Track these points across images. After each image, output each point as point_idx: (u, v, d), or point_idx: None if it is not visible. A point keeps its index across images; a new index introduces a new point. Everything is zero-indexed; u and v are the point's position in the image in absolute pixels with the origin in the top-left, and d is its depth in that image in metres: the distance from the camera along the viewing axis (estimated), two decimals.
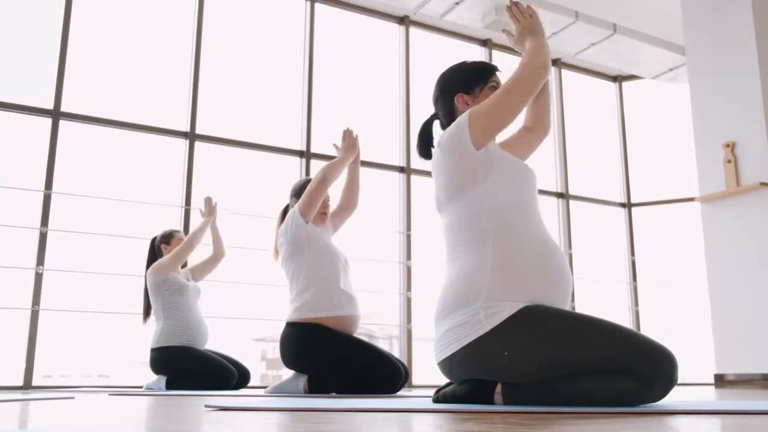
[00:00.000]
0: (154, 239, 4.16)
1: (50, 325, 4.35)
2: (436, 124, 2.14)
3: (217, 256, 4.26)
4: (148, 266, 4.09)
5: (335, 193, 3.59)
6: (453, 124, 1.92)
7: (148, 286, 3.99)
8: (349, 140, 3.49)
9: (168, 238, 4.12)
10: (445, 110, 2.05)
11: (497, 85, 2.05)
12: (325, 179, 3.29)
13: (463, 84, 2.03)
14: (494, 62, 5.79)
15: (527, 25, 2.01)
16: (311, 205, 3.27)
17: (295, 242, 3.26)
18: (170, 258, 3.96)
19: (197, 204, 4.88)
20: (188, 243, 4.02)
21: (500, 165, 1.89)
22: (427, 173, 5.90)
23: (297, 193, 3.46)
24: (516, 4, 2.05)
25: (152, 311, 4.00)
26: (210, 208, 4.19)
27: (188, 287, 4.01)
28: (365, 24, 6.02)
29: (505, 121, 1.88)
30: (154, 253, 4.12)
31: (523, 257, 1.81)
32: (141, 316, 4.10)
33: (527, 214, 1.88)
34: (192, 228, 4.43)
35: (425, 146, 2.11)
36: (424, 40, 6.21)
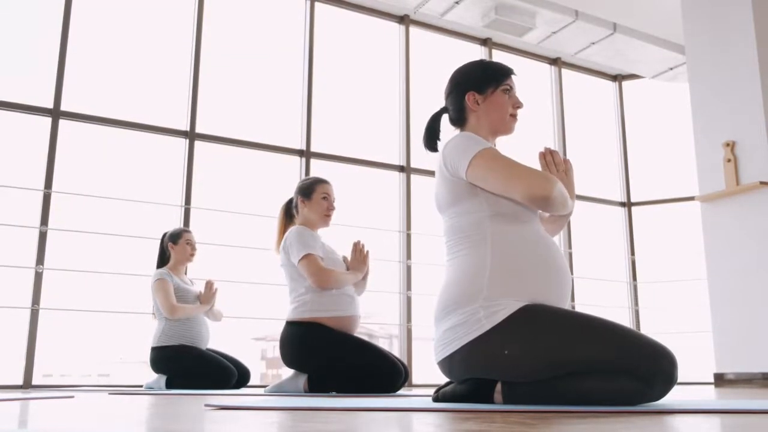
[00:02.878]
0: (164, 235, 4.13)
1: (50, 324, 4.35)
2: (444, 117, 2.13)
3: (211, 318, 4.13)
4: (158, 261, 4.08)
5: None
6: (463, 142, 1.89)
7: (150, 288, 3.98)
8: (359, 256, 3.38)
9: (176, 238, 4.08)
10: (456, 106, 2.04)
11: (510, 88, 2.02)
12: (326, 287, 3.19)
13: (477, 82, 2.02)
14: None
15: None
16: (304, 273, 3.22)
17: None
18: (162, 304, 3.86)
19: (197, 203, 4.88)
20: (173, 312, 3.85)
21: None
22: (427, 172, 5.90)
23: (302, 191, 3.45)
24: (552, 152, 2.02)
25: (154, 309, 4.00)
26: (208, 296, 4.03)
27: (189, 291, 4.00)
28: (365, 23, 6.02)
29: (494, 190, 1.84)
30: (164, 250, 4.10)
31: (523, 256, 1.81)
32: (141, 315, 4.09)
33: (526, 217, 1.89)
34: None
35: (432, 139, 2.09)
36: (424, 40, 6.21)
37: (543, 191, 1.78)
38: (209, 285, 4.06)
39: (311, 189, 3.42)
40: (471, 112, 2.01)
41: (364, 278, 3.42)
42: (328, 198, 3.41)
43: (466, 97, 2.01)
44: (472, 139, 1.89)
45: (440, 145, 2.04)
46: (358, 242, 3.42)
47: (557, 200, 1.81)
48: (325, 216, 3.40)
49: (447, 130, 2.11)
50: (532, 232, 1.86)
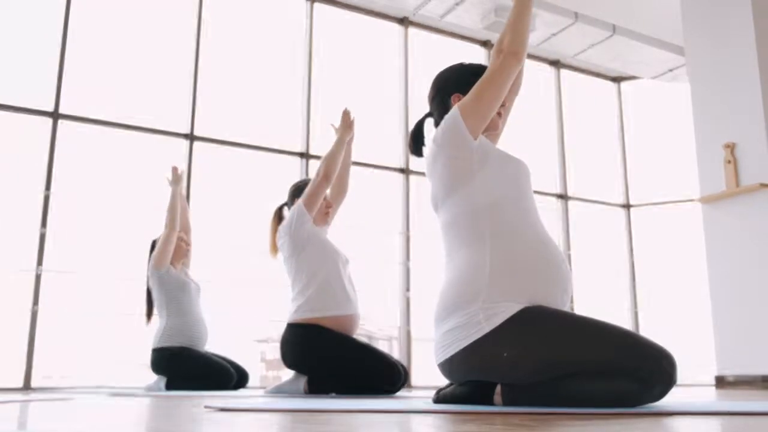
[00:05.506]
0: (153, 242, 4.15)
1: (50, 325, 4.35)
2: (429, 123, 2.15)
3: (186, 231, 4.22)
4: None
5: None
6: (445, 118, 1.94)
7: (151, 283, 3.99)
8: (347, 120, 3.52)
9: None
10: (441, 110, 2.06)
11: None
12: (328, 173, 3.32)
13: (460, 84, 2.03)
14: None
15: None
16: (315, 199, 3.28)
17: (297, 239, 3.26)
18: (161, 243, 3.96)
19: (197, 204, 4.88)
20: (169, 219, 4.00)
21: (494, 158, 1.91)
22: None
23: (299, 192, 3.46)
24: None
25: (155, 308, 4.00)
26: (176, 177, 4.18)
27: (189, 284, 4.02)
28: (365, 24, 6.02)
29: (494, 102, 1.89)
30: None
31: (522, 257, 1.80)
32: (141, 317, 4.10)
33: (524, 211, 1.88)
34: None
35: (417, 144, 2.14)
36: (423, 41, 6.21)
37: (512, 58, 1.87)
38: (174, 168, 4.22)
39: (305, 189, 3.45)
40: None
41: (349, 143, 3.61)
42: (326, 197, 3.43)
43: (452, 99, 2.02)
44: (449, 114, 1.93)
45: (425, 150, 2.07)
46: (346, 109, 3.59)
47: (522, 40, 1.89)
48: (324, 214, 3.41)
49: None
50: (530, 230, 1.86)
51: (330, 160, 3.35)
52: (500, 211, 1.85)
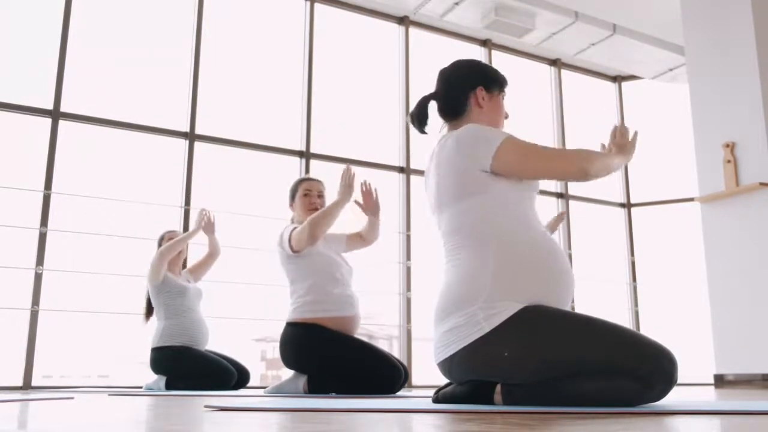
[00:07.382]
0: (161, 238, 4.15)
1: (50, 325, 4.35)
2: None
3: (212, 254, 4.24)
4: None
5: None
6: (483, 131, 1.87)
7: (149, 290, 3.99)
8: (347, 179, 3.34)
9: (163, 241, 4.12)
10: (458, 97, 2.01)
11: (505, 97, 2.08)
12: (314, 234, 3.16)
13: (487, 80, 2.03)
14: (493, 62, 5.81)
15: (618, 143, 2.20)
16: (299, 246, 3.23)
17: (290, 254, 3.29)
18: (156, 258, 3.94)
19: (197, 204, 4.88)
20: (179, 240, 4.00)
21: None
22: None
23: (289, 195, 3.52)
24: (621, 132, 2.24)
25: (153, 311, 4.00)
26: (210, 227, 4.16)
27: (189, 289, 4.01)
28: (365, 24, 6.02)
29: (529, 175, 1.87)
30: None
31: (525, 257, 1.80)
32: (140, 316, 4.10)
33: (528, 215, 1.88)
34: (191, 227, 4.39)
35: (422, 123, 2.05)
36: (423, 41, 6.21)
37: (578, 171, 1.85)
38: (206, 216, 4.14)
39: (294, 190, 3.49)
40: (475, 107, 2.00)
41: (376, 216, 3.50)
42: (309, 194, 3.44)
43: (477, 91, 2.00)
44: (488, 129, 1.89)
45: (428, 129, 2.04)
46: (348, 166, 3.41)
47: (595, 174, 1.89)
48: (309, 211, 3.40)
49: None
50: (536, 233, 1.86)
51: (319, 221, 3.18)
52: (507, 218, 1.84)
